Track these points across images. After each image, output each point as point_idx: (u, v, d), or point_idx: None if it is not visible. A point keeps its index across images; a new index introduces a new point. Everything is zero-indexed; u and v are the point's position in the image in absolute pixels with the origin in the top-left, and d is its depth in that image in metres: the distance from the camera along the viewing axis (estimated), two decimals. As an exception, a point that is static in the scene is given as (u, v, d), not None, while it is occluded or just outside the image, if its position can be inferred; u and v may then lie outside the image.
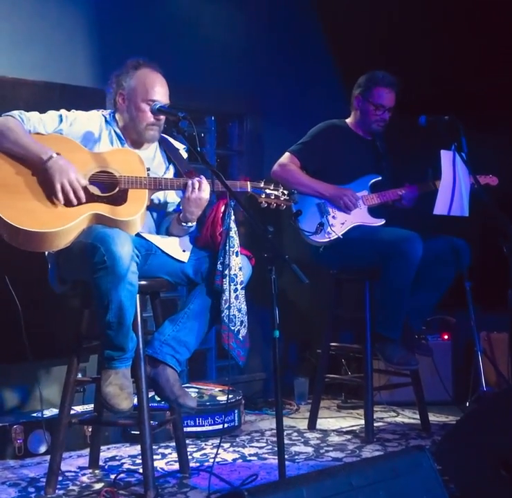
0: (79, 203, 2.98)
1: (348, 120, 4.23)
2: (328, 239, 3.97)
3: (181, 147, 3.40)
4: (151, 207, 3.24)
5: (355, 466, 2.27)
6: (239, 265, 3.18)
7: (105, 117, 3.26)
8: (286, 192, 3.25)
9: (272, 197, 3.23)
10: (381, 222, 4.06)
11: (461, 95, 4.68)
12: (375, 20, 4.96)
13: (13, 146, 2.98)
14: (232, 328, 3.18)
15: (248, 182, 3.22)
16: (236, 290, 3.17)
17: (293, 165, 4.09)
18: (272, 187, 3.25)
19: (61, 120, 3.14)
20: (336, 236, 3.97)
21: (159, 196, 3.27)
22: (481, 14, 4.68)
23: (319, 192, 4.04)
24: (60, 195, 2.94)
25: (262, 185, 3.23)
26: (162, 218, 3.33)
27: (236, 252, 3.17)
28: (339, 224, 4.01)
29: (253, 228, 2.89)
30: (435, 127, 3.94)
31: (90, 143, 3.17)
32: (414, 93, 4.13)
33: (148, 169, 3.17)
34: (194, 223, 3.24)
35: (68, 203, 2.96)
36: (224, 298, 3.14)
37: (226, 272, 3.13)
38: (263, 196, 3.22)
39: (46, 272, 3.20)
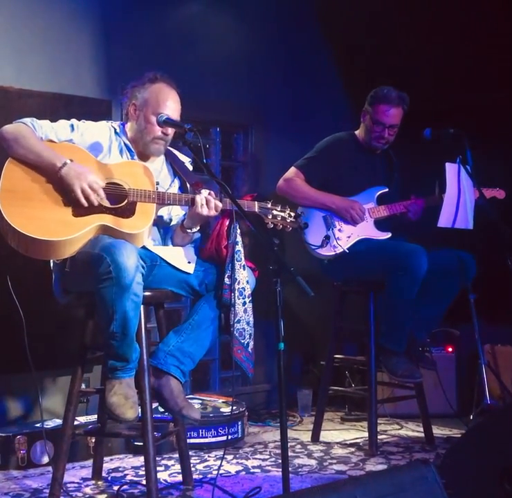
0: (90, 212, 2.99)
1: (357, 132, 4.23)
2: (334, 253, 3.97)
3: (187, 160, 3.42)
4: (157, 222, 3.24)
5: (360, 480, 2.26)
6: (246, 279, 3.19)
7: (115, 129, 3.28)
8: (292, 214, 3.26)
9: (279, 218, 3.23)
10: (387, 235, 4.05)
11: (466, 108, 4.69)
12: (380, 33, 4.98)
13: (26, 153, 2.99)
14: (242, 341, 3.19)
15: (256, 203, 3.21)
16: (244, 303, 3.19)
17: (298, 180, 4.09)
18: (279, 209, 3.25)
19: (72, 129, 3.15)
20: (342, 250, 3.96)
21: (164, 212, 3.28)
22: (489, 25, 4.69)
23: (325, 204, 4.04)
24: (83, 199, 2.96)
25: (269, 205, 3.23)
26: (168, 231, 3.34)
27: (243, 266, 3.19)
28: (345, 237, 4.00)
29: (258, 240, 2.90)
30: (440, 140, 3.96)
31: (101, 154, 3.18)
32: (419, 105, 4.13)
33: (157, 183, 3.18)
34: (198, 228, 3.25)
35: (90, 205, 2.98)
36: (233, 312, 3.14)
37: (234, 285, 3.14)
38: (270, 216, 3.22)
39: (50, 283, 3.20)
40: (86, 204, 2.98)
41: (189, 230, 3.23)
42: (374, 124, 4.07)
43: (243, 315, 3.19)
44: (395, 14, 4.89)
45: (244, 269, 3.19)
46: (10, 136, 3.01)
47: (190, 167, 3.40)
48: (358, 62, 5.15)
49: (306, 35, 5.19)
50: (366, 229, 4.05)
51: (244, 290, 3.18)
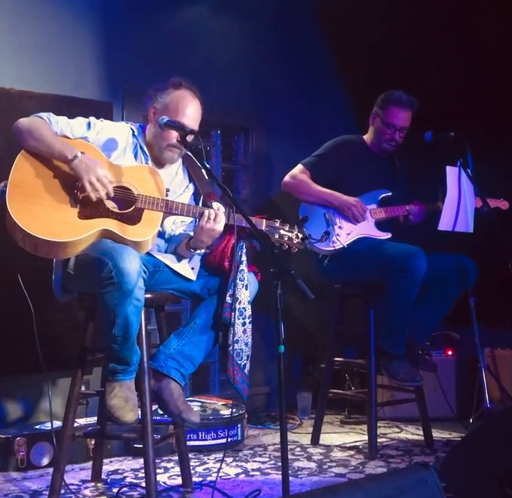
0: (96, 216, 2.98)
1: (365, 136, 4.26)
2: (332, 248, 3.97)
3: None
4: (161, 234, 3.23)
5: (359, 483, 2.26)
6: (247, 299, 3.18)
7: (133, 130, 3.26)
8: (300, 235, 3.23)
9: (286, 238, 3.20)
10: (387, 236, 4.06)
11: (468, 112, 4.69)
12: (382, 37, 4.99)
13: (39, 145, 2.97)
14: (239, 362, 3.18)
15: (264, 220, 3.18)
16: (244, 323, 3.17)
17: (303, 176, 4.11)
18: (287, 229, 3.22)
19: (88, 127, 3.13)
20: (341, 246, 3.96)
21: (169, 225, 3.25)
22: (492, 29, 4.70)
23: (327, 200, 4.04)
24: (91, 193, 2.95)
25: (278, 224, 3.21)
26: (171, 239, 3.31)
27: (246, 286, 3.18)
28: (345, 234, 4.01)
29: (260, 243, 2.90)
30: (441, 143, 3.96)
31: (115, 153, 3.16)
32: (420, 108, 4.13)
33: (167, 190, 3.16)
34: (203, 251, 3.22)
35: (97, 207, 2.96)
36: (232, 332, 3.14)
37: (235, 305, 3.13)
38: (277, 236, 3.19)
39: (50, 285, 3.19)
40: (94, 198, 2.95)
41: (193, 251, 3.18)
42: (386, 126, 4.10)
43: (242, 335, 3.17)
44: (397, 17, 4.89)
45: (246, 289, 3.18)
46: (24, 128, 3.00)
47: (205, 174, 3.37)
48: (360, 65, 5.15)
49: (308, 38, 5.19)
50: (366, 228, 4.05)
51: (245, 311, 3.17)
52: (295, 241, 3.23)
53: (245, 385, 3.24)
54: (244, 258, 3.17)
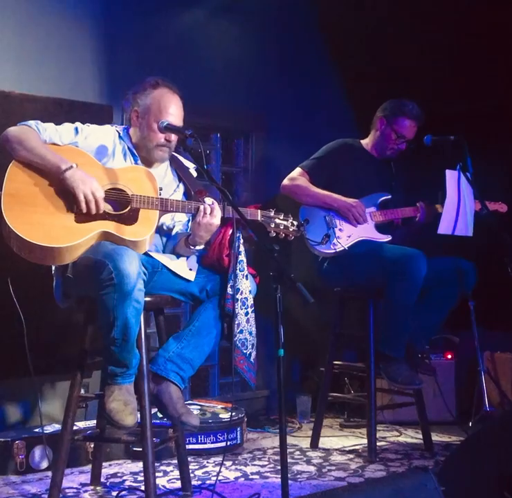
0: (92, 219, 2.98)
1: (363, 141, 4.27)
2: (333, 251, 3.97)
3: (191, 166, 3.40)
4: (159, 229, 3.24)
5: (359, 487, 2.26)
6: (248, 289, 3.20)
7: (119, 133, 3.26)
8: (295, 223, 3.25)
9: (282, 227, 3.22)
10: (388, 238, 4.06)
11: (467, 115, 4.69)
12: (382, 41, 4.99)
13: (30, 156, 2.97)
14: (244, 351, 3.20)
15: (259, 211, 3.20)
16: (247, 313, 3.19)
17: (302, 179, 4.11)
18: (282, 217, 3.24)
19: (76, 133, 3.14)
20: (342, 248, 3.96)
21: (167, 218, 3.27)
22: (494, 33, 4.70)
23: (327, 202, 4.05)
24: (83, 204, 2.94)
25: (272, 214, 3.23)
26: (169, 237, 3.33)
27: (246, 275, 3.19)
28: (345, 237, 4.01)
29: (259, 246, 2.91)
30: (440, 147, 3.97)
31: (104, 157, 3.16)
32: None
33: (160, 189, 3.17)
34: (202, 247, 3.23)
35: (88, 213, 2.96)
36: (236, 322, 3.14)
37: (237, 296, 3.14)
38: (273, 225, 3.21)
39: (50, 288, 3.20)
40: (85, 210, 2.96)
41: (192, 247, 3.20)
42: (396, 135, 4.11)
43: (246, 325, 3.19)
44: (396, 21, 4.90)
45: (247, 279, 3.19)
46: (13, 139, 3.00)
47: (194, 174, 3.38)
48: (359, 69, 5.16)
49: (307, 42, 5.20)
50: (367, 231, 4.05)
51: (247, 300, 3.19)
52: (291, 229, 3.25)
53: (252, 373, 3.26)
54: (242, 248, 3.19)
